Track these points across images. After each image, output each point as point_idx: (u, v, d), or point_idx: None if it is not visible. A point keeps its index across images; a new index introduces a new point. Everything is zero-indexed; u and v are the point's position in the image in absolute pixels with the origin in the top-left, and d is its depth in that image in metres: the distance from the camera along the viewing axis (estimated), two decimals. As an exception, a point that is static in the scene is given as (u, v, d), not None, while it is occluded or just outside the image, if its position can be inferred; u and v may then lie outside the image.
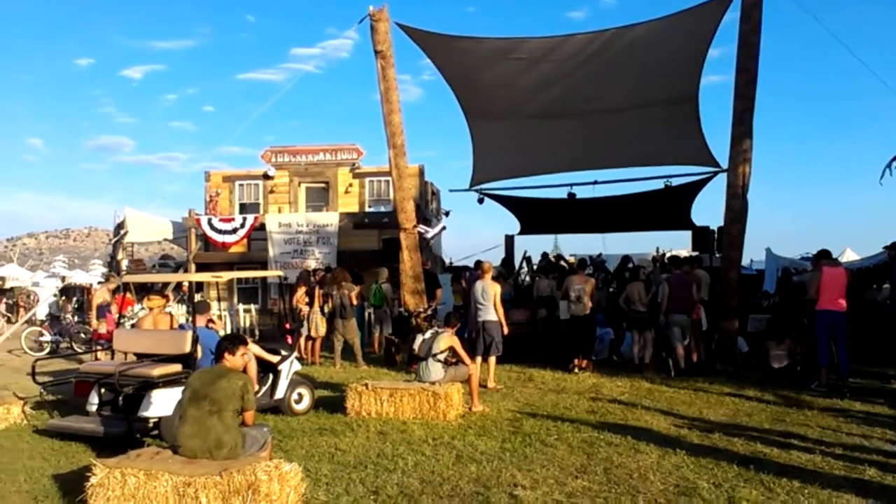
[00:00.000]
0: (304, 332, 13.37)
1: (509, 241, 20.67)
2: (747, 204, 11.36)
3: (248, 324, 19.13)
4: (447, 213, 25.42)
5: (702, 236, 17.45)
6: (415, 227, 12.57)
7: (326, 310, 13.25)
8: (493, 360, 10.41)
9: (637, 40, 12.47)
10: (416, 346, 8.65)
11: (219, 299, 21.14)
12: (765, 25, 10.94)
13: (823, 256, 9.91)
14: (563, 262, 19.42)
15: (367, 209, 21.71)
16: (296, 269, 18.10)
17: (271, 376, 8.58)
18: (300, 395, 8.76)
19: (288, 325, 10.31)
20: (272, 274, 14.19)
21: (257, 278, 21.46)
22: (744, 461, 6.29)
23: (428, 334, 8.69)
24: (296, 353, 9.06)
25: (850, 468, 6.10)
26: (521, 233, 20.76)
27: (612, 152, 16.05)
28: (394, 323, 14.45)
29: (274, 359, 8.55)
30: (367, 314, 15.57)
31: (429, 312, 12.04)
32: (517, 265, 19.68)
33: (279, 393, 8.52)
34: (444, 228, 13.06)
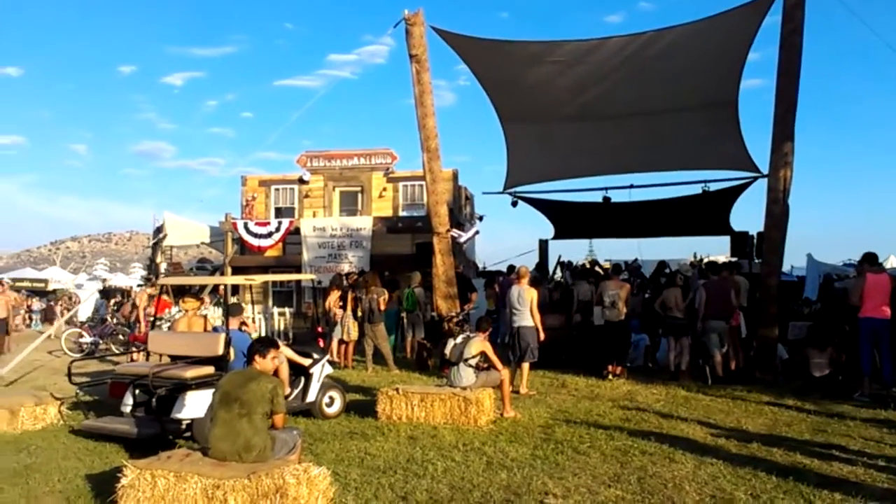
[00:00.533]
0: (337, 335, 13.42)
1: (543, 245, 20.49)
2: (788, 209, 11.09)
3: (281, 327, 19.26)
4: (481, 218, 25.34)
5: (741, 242, 17.05)
6: (448, 231, 12.53)
7: (359, 313, 13.27)
8: (526, 366, 10.31)
9: (675, 43, 12.27)
10: (447, 350, 8.60)
11: (253, 303, 21.35)
12: (807, 26, 10.70)
13: (868, 261, 9.61)
14: (598, 268, 19.22)
15: (400, 213, 21.74)
16: (330, 273, 18.17)
17: (303, 379, 8.60)
18: (331, 398, 8.77)
19: (320, 329, 10.34)
20: (304, 277, 14.28)
21: (291, 282, 21.61)
22: (783, 472, 6.11)
23: (459, 339, 8.63)
24: (328, 357, 9.06)
25: (893, 481, 5.89)
26: (555, 237, 20.57)
27: (649, 156, 15.84)
28: (426, 327, 14.43)
29: (305, 362, 8.57)
30: (401, 318, 15.56)
31: (461, 317, 11.98)
32: (551, 270, 19.49)
33: (310, 396, 8.54)
34: (477, 232, 13.00)
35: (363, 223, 20.66)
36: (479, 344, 8.52)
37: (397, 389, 8.47)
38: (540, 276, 17.05)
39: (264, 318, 19.20)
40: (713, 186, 16.64)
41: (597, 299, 11.72)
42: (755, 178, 15.95)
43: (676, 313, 11.25)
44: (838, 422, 8.20)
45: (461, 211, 22.72)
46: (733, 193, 16.83)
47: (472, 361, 8.46)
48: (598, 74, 13.09)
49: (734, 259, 15.73)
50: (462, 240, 12.58)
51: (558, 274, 19.66)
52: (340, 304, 13.47)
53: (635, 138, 15.06)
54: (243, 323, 8.90)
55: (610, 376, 11.18)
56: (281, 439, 5.30)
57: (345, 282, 13.85)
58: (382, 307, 13.32)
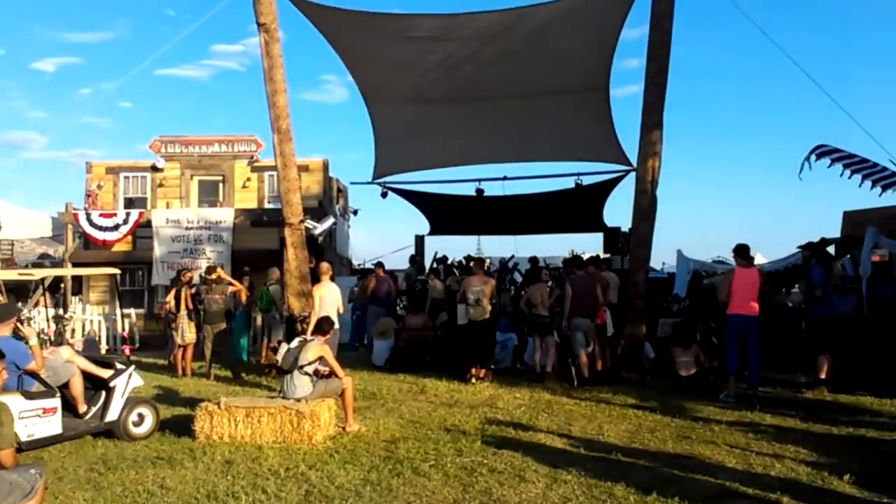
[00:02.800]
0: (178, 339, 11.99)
1: (419, 241, 19.62)
2: (656, 201, 10.64)
3: (126, 330, 17.36)
4: (355, 212, 24.15)
5: (613, 237, 16.82)
6: (301, 222, 11.33)
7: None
8: None
9: (547, 21, 11.60)
10: (279, 356, 7.46)
11: (99, 303, 19.31)
12: (692, 23, 10.30)
13: (740, 254, 9.17)
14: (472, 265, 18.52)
15: (266, 205, 20.22)
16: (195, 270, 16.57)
17: (103, 394, 7.24)
18: (140, 416, 7.43)
19: (125, 334, 9.03)
20: (106, 271, 12.34)
21: (143, 279, 19.69)
22: (643, 488, 5.41)
23: (294, 343, 7.51)
24: (132, 369, 7.66)
25: (761, 495, 5.29)
26: (431, 233, 19.74)
27: (523, 145, 15.24)
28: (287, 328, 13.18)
29: (104, 373, 7.20)
30: (253, 318, 14.23)
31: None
32: (428, 266, 18.62)
33: (112, 414, 7.18)
34: (335, 224, 11.88)
35: (223, 215, 19.04)
36: (317, 348, 7.44)
37: (218, 403, 7.26)
38: (414, 274, 16.16)
39: (105, 321, 17.22)
40: (586, 180, 16.29)
41: (460, 296, 10.87)
42: (627, 172, 15.68)
43: (542, 311, 10.57)
44: (703, 426, 7.68)
45: (333, 204, 21.47)
46: (606, 188, 16.54)
47: (309, 368, 7.37)
48: (466, 52, 12.27)
49: (602, 255, 15.37)
50: (317, 232, 11.45)
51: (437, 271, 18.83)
52: (174, 303, 12.06)
53: (508, 124, 14.40)
54: (17, 327, 7.34)
55: (473, 380, 10.36)
56: (8, 482, 4.03)
57: (180, 278, 12.37)
58: (228, 306, 12.03)
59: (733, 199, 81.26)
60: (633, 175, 14.80)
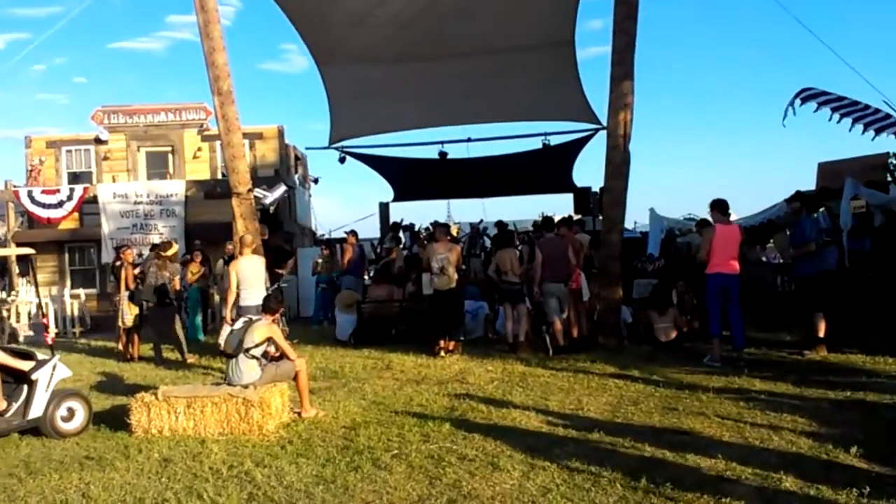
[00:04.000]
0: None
1: (384, 209, 18.83)
2: (629, 156, 9.98)
3: (76, 312, 16.40)
4: (316, 181, 23.31)
5: (583, 198, 16.24)
6: (250, 191, 10.49)
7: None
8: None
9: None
10: (221, 340, 6.69)
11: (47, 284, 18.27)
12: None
13: (719, 209, 8.56)
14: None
15: (219, 176, 19.21)
16: (135, 246, 15.63)
17: (25, 388, 6.43)
18: (70, 410, 6.63)
19: (45, 321, 8.27)
20: (17, 252, 11.24)
21: (93, 257, 18.65)
22: (630, 473, 4.83)
23: (238, 324, 6.76)
24: (57, 359, 6.85)
25: (761, 476, 4.72)
26: (395, 199, 18.95)
27: (486, 105, 14.45)
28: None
29: (24, 365, 6.39)
30: (210, 294, 13.45)
31: (269, 291, 10.00)
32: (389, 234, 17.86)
33: (36, 409, 6.40)
34: (287, 192, 11.06)
35: (174, 188, 18.06)
36: (263, 329, 6.69)
37: (155, 394, 6.51)
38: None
39: (52, 303, 16.21)
40: (554, 140, 15.59)
41: (424, 265, 10.17)
42: (596, 131, 15.00)
43: (512, 278, 9.92)
44: (690, 395, 7.12)
45: (290, 173, 20.53)
46: (575, 147, 15.88)
47: (257, 351, 6.63)
48: (421, 6, 11.39)
49: (574, 215, 14.76)
50: (267, 201, 10.65)
51: (401, 236, 18.09)
52: (112, 280, 11.20)
53: (471, 84, 13.57)
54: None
55: (442, 353, 9.71)
56: None
57: (120, 255, 11.48)
58: (177, 286, 11.21)
59: (702, 154, 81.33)
60: (603, 133, 14.19)
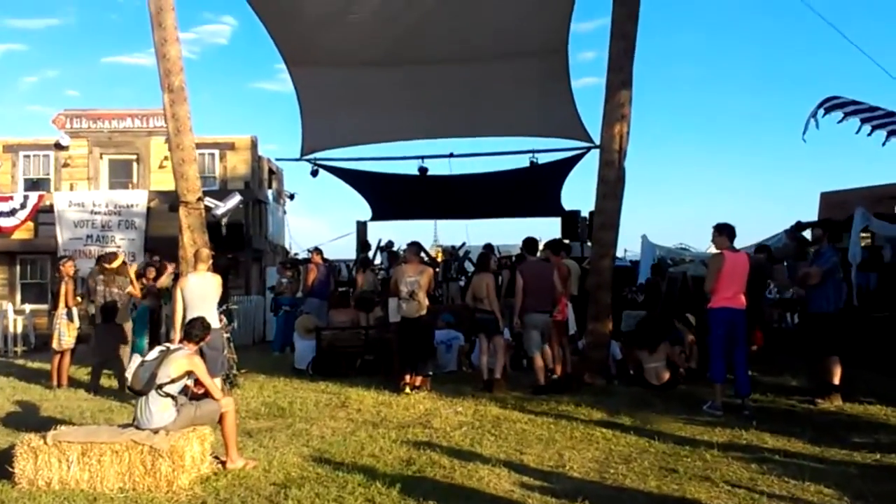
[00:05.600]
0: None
1: (362, 228, 17.71)
2: (624, 174, 8.98)
3: (19, 329, 15.11)
4: (292, 196, 22.21)
5: (572, 222, 15.18)
6: (199, 200, 9.38)
7: (91, 310, 9.93)
8: (216, 381, 7.42)
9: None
10: (129, 373, 5.53)
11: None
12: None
13: (726, 233, 7.46)
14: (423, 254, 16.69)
15: (186, 188, 18.08)
16: (90, 259, 14.46)
17: None
18: (-60, 454, 5.45)
19: None
20: None
21: (47, 270, 17.39)
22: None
23: (152, 354, 5.60)
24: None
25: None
26: (373, 218, 17.84)
27: (470, 117, 13.44)
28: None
29: None
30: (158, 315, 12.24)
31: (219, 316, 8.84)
32: (372, 255, 16.73)
33: None
34: (241, 203, 9.96)
35: (136, 198, 16.92)
36: (181, 361, 5.54)
37: (44, 438, 5.33)
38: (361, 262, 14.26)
39: (-6, 318, 14.91)
40: (542, 158, 14.59)
41: (392, 288, 9.05)
42: (588, 149, 14.01)
43: (486, 306, 8.81)
44: (691, 452, 6.02)
45: (262, 186, 19.44)
46: (564, 166, 14.87)
47: (172, 388, 5.47)
48: (401, 4, 10.39)
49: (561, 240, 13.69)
50: (219, 212, 9.54)
51: (378, 258, 16.98)
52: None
53: (453, 93, 12.58)
54: None
55: (407, 389, 8.56)
56: None
57: (60, 267, 10.32)
58: (136, 293, 10.08)
59: (694, 180, 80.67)
60: (594, 153, 13.22)
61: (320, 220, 61.59)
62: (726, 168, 78.30)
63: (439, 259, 17.68)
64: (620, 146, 8.78)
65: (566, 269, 9.96)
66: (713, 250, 18.81)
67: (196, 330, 5.87)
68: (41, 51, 70.30)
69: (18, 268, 17.53)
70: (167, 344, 5.75)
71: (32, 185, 18.11)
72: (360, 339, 10.18)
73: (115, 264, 9.85)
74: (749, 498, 4.86)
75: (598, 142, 11.48)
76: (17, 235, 17.12)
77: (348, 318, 10.67)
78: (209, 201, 9.53)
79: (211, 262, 7.99)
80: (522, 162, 14.81)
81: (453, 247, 17.86)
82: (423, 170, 14.83)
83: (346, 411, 7.86)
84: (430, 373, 8.89)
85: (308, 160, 14.48)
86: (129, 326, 9.95)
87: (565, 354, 9.21)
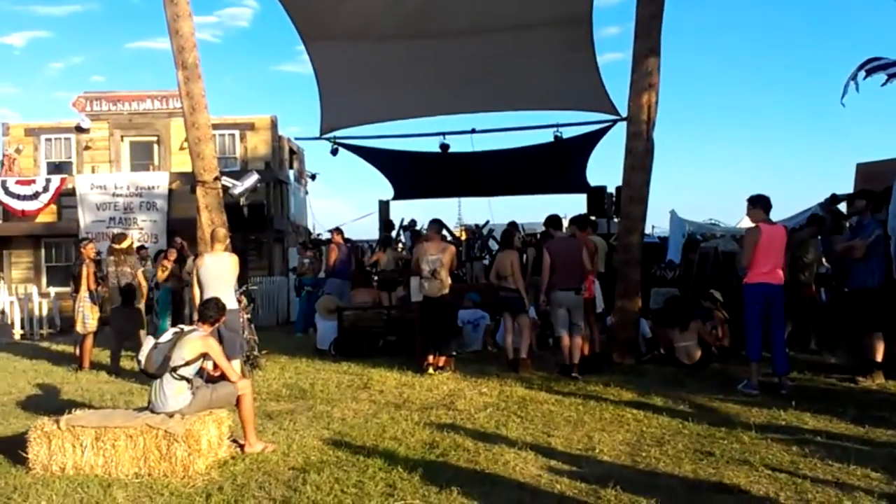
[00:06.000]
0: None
1: (384, 207, 17.50)
2: (653, 146, 8.64)
3: (45, 312, 15.18)
4: (313, 177, 22.04)
5: (598, 198, 14.81)
6: (216, 179, 9.20)
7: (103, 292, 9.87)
8: (235, 363, 7.24)
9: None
10: (142, 355, 5.36)
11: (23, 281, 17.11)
12: None
13: (761, 205, 7.12)
14: (445, 232, 16.43)
15: (208, 169, 17.97)
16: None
17: None
18: (-47, 439, 5.35)
19: None
20: None
21: (71, 253, 17.43)
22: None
23: (166, 336, 5.42)
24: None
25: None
26: (395, 197, 17.61)
27: (492, 91, 13.08)
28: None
29: None
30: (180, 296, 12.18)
31: (238, 294, 8.69)
32: (395, 234, 16.52)
33: None
34: (258, 182, 9.75)
35: (157, 180, 16.86)
36: (196, 343, 5.36)
37: (57, 422, 5.19)
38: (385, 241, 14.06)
39: (17, 302, 14.96)
40: (567, 133, 14.19)
41: (413, 267, 8.82)
42: (614, 122, 13.60)
43: (511, 284, 8.55)
44: (727, 434, 5.74)
45: (283, 166, 19.27)
46: (590, 140, 14.46)
47: (186, 371, 5.30)
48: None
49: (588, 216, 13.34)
50: (237, 191, 9.33)
51: (402, 237, 16.78)
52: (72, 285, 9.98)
53: (474, 67, 12.21)
54: None
55: (430, 370, 8.36)
56: None
57: (80, 251, 10.23)
58: (143, 283, 9.98)
59: (725, 153, 78.77)
60: (621, 126, 12.83)
61: (343, 201, 61.48)
62: (755, 140, 76.14)
63: (463, 238, 17.43)
64: (649, 116, 8.43)
65: (593, 245, 9.67)
66: (744, 225, 18.33)
67: (210, 311, 5.68)
68: (66, 37, 70.93)
69: (43, 251, 17.60)
70: (181, 326, 5.57)
71: (55, 168, 18.11)
72: (383, 319, 9.98)
73: (125, 244, 9.75)
74: (791, 482, 4.58)
75: (624, 114, 11.16)
76: (40, 219, 17.16)
77: (370, 297, 10.49)
78: (226, 181, 9.33)
79: (228, 241, 7.81)
80: (546, 137, 14.44)
81: (477, 225, 17.59)
82: (444, 147, 14.52)
83: (368, 392, 7.68)
84: (454, 353, 8.68)
85: (327, 139, 14.24)
86: (141, 307, 9.84)
87: (593, 333, 8.93)
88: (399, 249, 14.08)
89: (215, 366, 5.59)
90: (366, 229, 22.44)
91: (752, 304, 7.12)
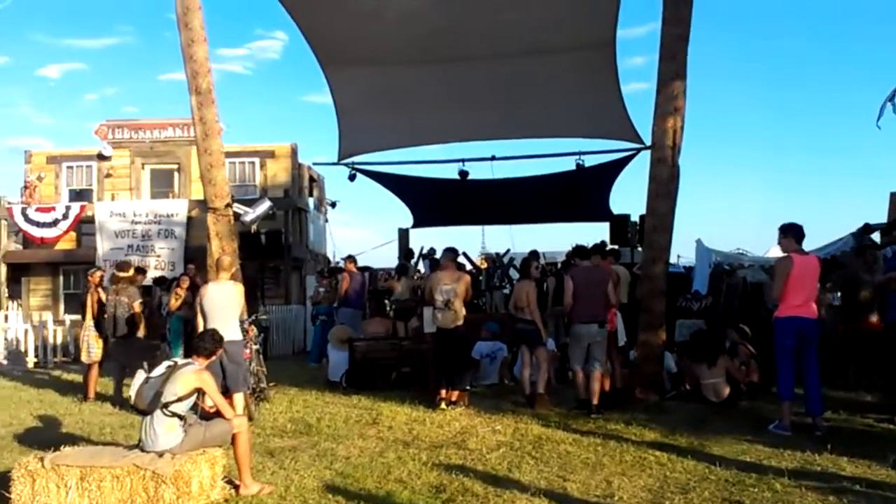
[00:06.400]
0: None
1: (403, 235, 17.27)
2: (678, 172, 8.29)
3: (59, 340, 15.06)
4: (333, 204, 21.92)
5: (621, 227, 14.42)
6: (228, 206, 9.03)
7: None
8: (237, 397, 7.00)
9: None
10: (132, 390, 5.09)
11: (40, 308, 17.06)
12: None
13: (794, 236, 6.72)
14: (465, 260, 16.12)
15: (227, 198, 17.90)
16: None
17: None
18: (-65, 476, 5.09)
19: None
20: None
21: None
22: None
23: (159, 370, 5.15)
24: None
25: None
26: (415, 225, 17.37)
27: (512, 117, 12.83)
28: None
29: None
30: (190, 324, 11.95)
31: (246, 324, 8.42)
32: (414, 263, 16.24)
33: None
34: (272, 209, 9.56)
35: (176, 207, 16.81)
36: (190, 377, 5.08)
37: (42, 461, 4.92)
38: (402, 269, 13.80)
39: (31, 328, 14.85)
40: (589, 161, 13.88)
41: (427, 296, 8.50)
42: (638, 151, 13.27)
43: (527, 315, 8.18)
44: (758, 481, 5.30)
45: (302, 194, 19.17)
46: (613, 169, 14.13)
47: (179, 407, 5.01)
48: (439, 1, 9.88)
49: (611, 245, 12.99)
50: (248, 218, 9.15)
51: (421, 266, 16.50)
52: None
53: (495, 93, 11.99)
54: None
55: (443, 405, 7.99)
56: None
57: (89, 279, 10.05)
58: (136, 310, 9.71)
59: (752, 181, 77.46)
60: (644, 155, 12.52)
61: (365, 229, 61.57)
62: (786, 167, 74.77)
63: (483, 267, 17.11)
64: (674, 141, 8.09)
65: (616, 275, 9.31)
66: (773, 254, 17.76)
67: (206, 343, 5.41)
68: (100, 69, 72.67)
69: (62, 278, 17.62)
70: (175, 359, 5.28)
71: (76, 195, 18.20)
72: (396, 350, 9.65)
73: (129, 273, 9.54)
74: (831, 539, 4.16)
75: (648, 142, 10.85)
76: (59, 246, 17.21)
77: (384, 328, 10.19)
78: (238, 207, 9.16)
79: (234, 270, 7.58)
80: (568, 165, 14.14)
81: (497, 253, 17.26)
82: (463, 173, 14.27)
83: (377, 428, 7.33)
84: (468, 387, 8.31)
85: (345, 164, 14.08)
86: (136, 340, 9.55)
87: (615, 367, 8.53)
88: (416, 278, 13.77)
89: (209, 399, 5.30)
90: (386, 258, 22.20)
91: (784, 340, 6.68)
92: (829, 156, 75.81)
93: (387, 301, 12.41)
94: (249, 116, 73.21)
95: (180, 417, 5.01)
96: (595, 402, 7.69)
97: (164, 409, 4.96)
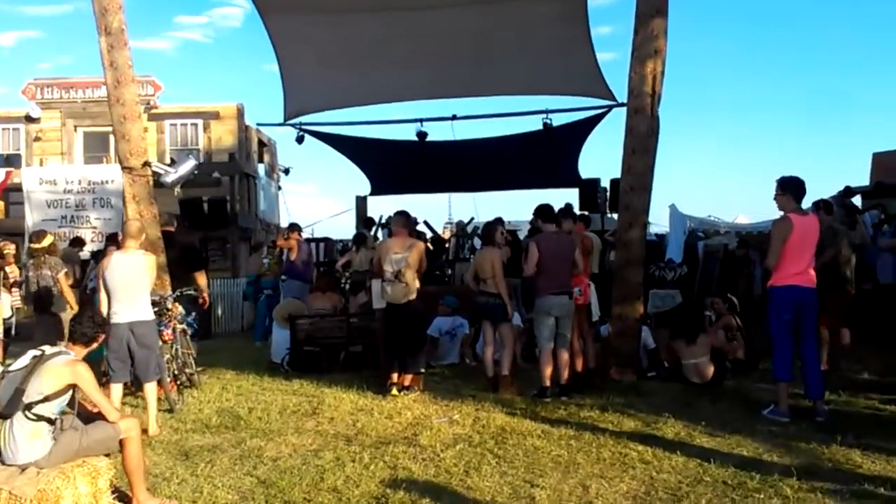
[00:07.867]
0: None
1: (362, 203, 16.17)
2: (658, 123, 7.34)
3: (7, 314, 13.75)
4: (287, 171, 20.68)
5: (591, 192, 13.49)
6: (145, 165, 7.87)
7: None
8: (149, 387, 5.93)
9: None
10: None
11: None
12: None
13: (791, 191, 5.80)
14: (427, 229, 15.12)
15: (168, 161, 16.59)
16: (64, 242, 13.18)
17: None
18: None
19: None
20: None
21: (20, 254, 16.01)
22: None
23: (22, 361, 4.08)
24: None
25: None
26: (372, 193, 16.27)
27: (474, 72, 11.73)
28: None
29: None
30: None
31: (163, 303, 7.32)
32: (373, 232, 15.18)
33: None
34: (196, 168, 8.38)
35: (111, 174, 15.37)
36: (61, 370, 4.03)
37: None
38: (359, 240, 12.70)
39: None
40: (557, 120, 12.88)
41: (375, 268, 7.48)
42: (610, 108, 12.32)
43: (492, 287, 7.22)
44: (762, 482, 4.46)
45: (250, 159, 17.91)
46: (582, 128, 13.16)
47: (48, 408, 3.96)
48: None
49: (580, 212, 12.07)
50: (169, 179, 7.99)
51: (380, 235, 15.44)
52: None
53: (456, 45, 10.87)
54: None
55: (394, 390, 7.03)
56: None
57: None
58: (65, 289, 8.59)
59: (726, 141, 76.53)
60: (617, 112, 11.63)
61: (325, 198, 60.03)
62: (761, 128, 73.76)
63: (446, 237, 16.13)
64: (654, 89, 7.14)
65: (590, 241, 8.41)
66: (742, 221, 17.04)
67: (83, 327, 4.34)
68: (55, 37, 69.60)
69: (-12, 253, 16.18)
70: (42, 347, 4.21)
71: (3, 161, 16.71)
72: (344, 328, 8.64)
73: (44, 244, 8.40)
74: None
75: (621, 99, 9.91)
76: (-14, 217, 15.77)
77: (330, 303, 9.17)
78: (157, 166, 8.03)
79: (144, 238, 6.47)
80: (534, 124, 13.13)
81: (461, 221, 16.28)
82: (421, 134, 13.19)
83: (316, 420, 6.34)
84: (423, 370, 7.34)
85: (292, 125, 12.88)
86: (66, 316, 8.47)
87: (587, 346, 7.64)
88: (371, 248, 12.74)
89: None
90: (343, 229, 21.12)
91: (781, 313, 5.81)
92: (809, 115, 74.87)
93: (346, 273, 11.38)
94: (207, 85, 70.84)
95: (49, 421, 3.96)
96: (564, 383, 6.80)
97: (27, 412, 3.90)
